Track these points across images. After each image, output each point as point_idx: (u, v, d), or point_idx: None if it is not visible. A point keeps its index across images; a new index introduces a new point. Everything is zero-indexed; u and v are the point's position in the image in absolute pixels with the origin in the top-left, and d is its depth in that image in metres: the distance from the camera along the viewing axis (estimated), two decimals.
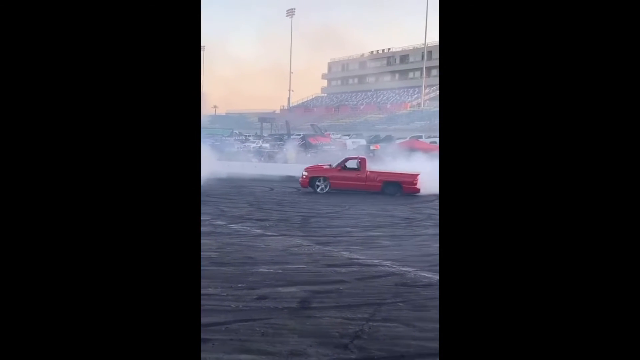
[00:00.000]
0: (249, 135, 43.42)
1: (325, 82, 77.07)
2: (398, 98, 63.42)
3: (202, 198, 12.99)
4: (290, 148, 26.84)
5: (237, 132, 39.89)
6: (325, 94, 75.42)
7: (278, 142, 33.44)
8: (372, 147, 26.43)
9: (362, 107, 64.93)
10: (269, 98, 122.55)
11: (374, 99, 66.20)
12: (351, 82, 73.83)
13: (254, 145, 35.22)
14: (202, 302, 4.59)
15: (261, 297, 4.84)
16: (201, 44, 2.88)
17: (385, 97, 65.28)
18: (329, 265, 6.32)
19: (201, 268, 5.89)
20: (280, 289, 5.14)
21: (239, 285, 5.26)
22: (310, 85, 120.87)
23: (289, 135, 37.02)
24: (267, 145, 35.42)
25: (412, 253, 7.22)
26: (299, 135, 37.81)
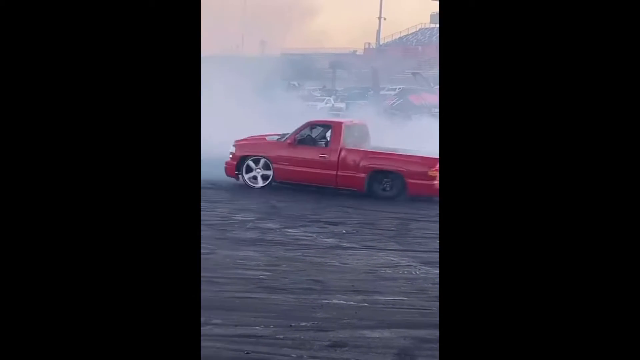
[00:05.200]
0: (314, 89, 43.61)
1: (436, 6, 76.35)
2: None
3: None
4: (378, 110, 26.85)
5: (295, 83, 40.09)
6: (438, 25, 74.71)
7: (359, 101, 33.54)
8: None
9: None
10: (348, 31, 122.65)
11: None
12: None
13: (323, 104, 35.46)
14: (246, 346, 4.75)
15: (336, 344, 4.93)
16: None
17: None
18: None
19: (246, 295, 6.06)
20: (366, 333, 5.22)
21: (303, 324, 5.37)
22: (412, 12, 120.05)
23: (377, 89, 36.95)
24: (342, 105, 35.56)
25: None
26: (394, 89, 37.59)
